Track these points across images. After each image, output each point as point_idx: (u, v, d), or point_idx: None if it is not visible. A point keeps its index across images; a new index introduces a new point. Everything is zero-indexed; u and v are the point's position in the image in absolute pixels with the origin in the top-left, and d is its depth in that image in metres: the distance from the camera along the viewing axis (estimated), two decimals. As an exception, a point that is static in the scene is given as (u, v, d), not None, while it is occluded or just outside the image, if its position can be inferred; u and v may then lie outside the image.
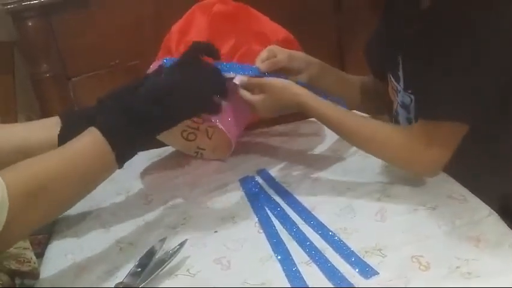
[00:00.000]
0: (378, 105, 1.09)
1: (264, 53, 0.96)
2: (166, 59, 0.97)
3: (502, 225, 0.77)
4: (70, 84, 1.57)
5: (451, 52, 0.83)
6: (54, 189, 0.72)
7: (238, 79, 0.93)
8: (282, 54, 0.97)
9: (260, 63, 0.95)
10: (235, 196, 0.94)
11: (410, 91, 0.95)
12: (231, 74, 0.93)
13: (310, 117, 0.99)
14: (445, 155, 0.84)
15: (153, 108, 0.79)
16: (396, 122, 1.02)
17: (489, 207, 0.80)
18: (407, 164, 0.87)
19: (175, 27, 1.04)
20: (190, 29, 1.02)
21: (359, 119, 0.93)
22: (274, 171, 1.00)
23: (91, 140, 0.75)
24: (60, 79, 1.54)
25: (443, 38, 0.85)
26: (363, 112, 1.12)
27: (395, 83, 1.00)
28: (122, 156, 0.77)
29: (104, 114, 0.79)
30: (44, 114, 1.50)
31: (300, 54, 1.01)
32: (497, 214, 0.79)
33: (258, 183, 0.96)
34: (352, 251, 0.74)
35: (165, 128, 0.84)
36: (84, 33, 1.52)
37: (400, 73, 0.97)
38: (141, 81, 0.87)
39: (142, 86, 0.84)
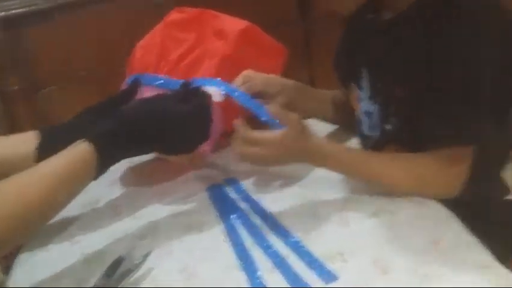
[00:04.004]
0: (349, 117, 1.10)
1: (239, 79, 0.96)
2: (129, 78, 0.99)
3: (459, 227, 0.78)
4: (38, 96, 1.56)
5: (443, 71, 0.82)
6: (42, 211, 0.72)
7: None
8: (257, 78, 0.98)
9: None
10: (202, 205, 0.95)
11: (375, 100, 0.97)
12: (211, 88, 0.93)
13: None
14: (465, 172, 0.85)
15: (149, 128, 0.81)
16: (360, 130, 1.04)
17: (448, 210, 0.82)
18: (434, 191, 0.85)
19: (139, 44, 1.05)
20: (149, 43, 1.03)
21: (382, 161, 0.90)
22: (242, 179, 1.01)
23: (80, 153, 0.76)
24: (28, 91, 1.54)
25: (430, 56, 0.83)
26: (336, 124, 1.15)
27: (358, 92, 1.02)
28: (103, 165, 0.79)
29: (100, 122, 0.80)
30: (12, 127, 1.49)
31: (275, 78, 1.01)
32: (456, 216, 0.81)
33: (226, 192, 0.97)
34: (314, 257, 0.76)
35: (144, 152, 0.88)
36: (51, 45, 1.52)
37: (364, 81, 1.00)
38: (119, 98, 0.90)
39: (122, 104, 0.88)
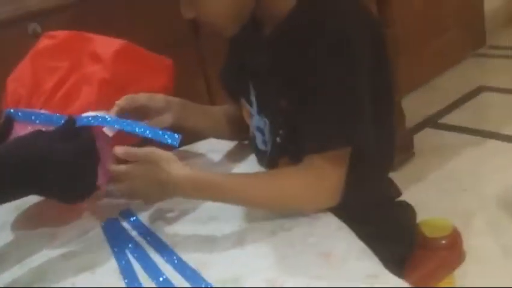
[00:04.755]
0: (244, 132, 1.09)
1: (120, 101, 0.93)
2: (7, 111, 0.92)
3: (350, 237, 0.80)
4: None
5: (314, 80, 0.83)
6: None
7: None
8: (139, 96, 0.95)
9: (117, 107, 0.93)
10: (96, 243, 0.90)
11: (264, 114, 0.97)
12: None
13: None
14: (341, 179, 0.84)
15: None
16: (254, 145, 1.04)
17: (339, 221, 0.83)
18: (312, 203, 0.85)
19: (10, 77, 0.99)
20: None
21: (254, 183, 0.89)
22: (139, 211, 0.97)
23: None
24: None
25: (299, 68, 0.85)
26: (233, 140, 1.14)
27: (249, 107, 1.02)
28: None
29: None
30: None
31: (158, 95, 0.99)
32: (347, 226, 0.82)
33: (121, 226, 0.94)
34: (210, 285, 0.74)
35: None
36: None
37: (252, 98, 1.00)
38: None
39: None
